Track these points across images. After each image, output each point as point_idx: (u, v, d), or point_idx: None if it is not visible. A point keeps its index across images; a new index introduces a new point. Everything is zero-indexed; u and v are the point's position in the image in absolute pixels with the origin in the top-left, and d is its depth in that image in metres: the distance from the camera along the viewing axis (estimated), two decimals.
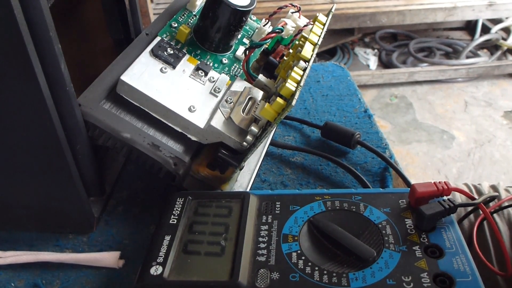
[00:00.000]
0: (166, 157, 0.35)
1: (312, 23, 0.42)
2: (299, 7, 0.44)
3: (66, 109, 0.31)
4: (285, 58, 0.40)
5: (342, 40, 1.84)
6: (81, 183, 0.34)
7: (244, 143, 0.35)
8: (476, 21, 1.85)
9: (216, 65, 0.40)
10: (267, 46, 0.44)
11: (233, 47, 0.42)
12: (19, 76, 0.27)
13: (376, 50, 1.88)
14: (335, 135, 0.43)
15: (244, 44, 0.43)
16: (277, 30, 0.39)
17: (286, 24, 0.40)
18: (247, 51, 0.38)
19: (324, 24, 0.39)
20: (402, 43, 1.87)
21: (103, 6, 0.42)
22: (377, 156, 0.42)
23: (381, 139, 0.45)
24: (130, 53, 0.38)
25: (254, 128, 0.34)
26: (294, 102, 0.29)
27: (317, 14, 0.39)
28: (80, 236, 0.35)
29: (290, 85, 0.30)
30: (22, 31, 0.26)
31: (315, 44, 0.36)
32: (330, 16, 0.40)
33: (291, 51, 0.39)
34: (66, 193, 0.33)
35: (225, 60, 0.41)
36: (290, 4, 0.44)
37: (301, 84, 0.31)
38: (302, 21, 0.44)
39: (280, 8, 0.44)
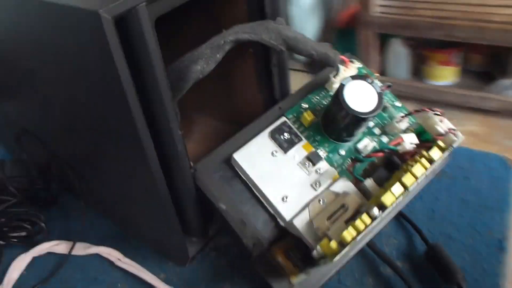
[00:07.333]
0: (248, 236, 0.39)
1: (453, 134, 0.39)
2: (443, 113, 0.40)
3: (179, 175, 0.38)
4: (416, 158, 0.37)
5: None
6: (180, 227, 0.41)
7: (315, 252, 0.36)
8: None
9: (331, 155, 0.41)
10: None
11: (358, 136, 0.42)
12: (136, 160, 0.35)
13: None
14: (437, 264, 0.40)
15: (373, 134, 0.42)
16: (386, 150, 0.37)
17: (403, 141, 0.38)
18: (352, 159, 0.38)
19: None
20: None
21: (255, 67, 0.47)
22: None
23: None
24: (256, 126, 0.42)
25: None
26: (336, 259, 0.29)
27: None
28: (178, 266, 0.43)
29: (348, 234, 0.30)
30: (139, 128, 0.33)
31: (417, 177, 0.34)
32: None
33: (425, 154, 0.36)
34: (169, 232, 0.41)
35: (343, 151, 0.41)
36: (434, 109, 0.41)
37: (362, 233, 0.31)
38: (445, 125, 0.41)
39: (426, 110, 0.41)
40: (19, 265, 0.44)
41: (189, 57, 0.37)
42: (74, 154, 0.45)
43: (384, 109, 0.44)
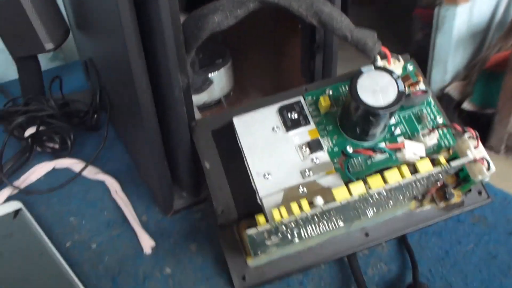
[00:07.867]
0: (219, 201, 0.37)
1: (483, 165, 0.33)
2: (477, 136, 0.34)
3: (175, 123, 0.38)
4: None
5: None
6: (168, 176, 0.41)
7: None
8: None
9: (336, 149, 0.37)
10: None
11: (377, 139, 0.37)
12: (133, 98, 0.36)
13: None
14: None
15: (394, 142, 0.37)
16: (378, 150, 0.32)
17: (403, 147, 0.32)
18: (342, 152, 0.34)
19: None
20: None
21: (300, 46, 0.44)
22: None
23: None
24: (273, 100, 0.40)
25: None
26: (250, 232, 0.26)
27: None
28: (161, 214, 0.44)
29: (276, 213, 0.27)
30: (132, 60, 0.33)
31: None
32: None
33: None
34: (159, 178, 0.41)
35: (350, 150, 0.37)
36: (468, 130, 0.34)
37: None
38: (477, 152, 0.34)
39: (457, 128, 0.35)
40: (40, 170, 0.48)
41: (209, 6, 0.36)
42: (111, 87, 0.48)
43: (419, 120, 0.38)
